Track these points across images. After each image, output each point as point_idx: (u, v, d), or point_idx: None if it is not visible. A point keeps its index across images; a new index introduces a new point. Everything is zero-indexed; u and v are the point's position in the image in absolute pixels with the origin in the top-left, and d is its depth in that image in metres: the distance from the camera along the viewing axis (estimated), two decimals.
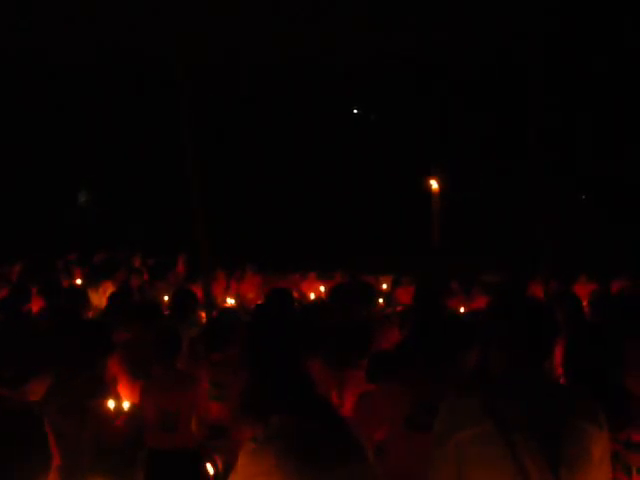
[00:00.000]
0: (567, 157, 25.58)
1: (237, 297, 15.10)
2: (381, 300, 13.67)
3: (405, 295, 14.53)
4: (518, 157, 15.97)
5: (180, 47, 9.81)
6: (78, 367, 5.57)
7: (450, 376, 4.27)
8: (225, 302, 14.13)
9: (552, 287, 12.69)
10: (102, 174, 28.90)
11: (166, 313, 9.00)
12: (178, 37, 9.84)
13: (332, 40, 24.31)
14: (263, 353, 4.38)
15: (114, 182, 28.65)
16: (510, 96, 17.65)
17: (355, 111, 34.92)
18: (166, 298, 12.38)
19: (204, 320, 9.36)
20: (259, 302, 11.03)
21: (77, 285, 14.28)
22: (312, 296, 14.91)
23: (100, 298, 12.81)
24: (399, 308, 12.76)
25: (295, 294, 15.26)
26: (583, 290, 13.63)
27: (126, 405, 6.10)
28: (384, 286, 16.29)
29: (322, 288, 15.21)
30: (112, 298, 9.19)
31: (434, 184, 29.17)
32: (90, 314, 9.63)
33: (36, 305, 9.97)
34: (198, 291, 9.47)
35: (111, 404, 5.81)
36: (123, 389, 6.56)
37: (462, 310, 11.93)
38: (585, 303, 7.89)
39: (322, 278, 16.86)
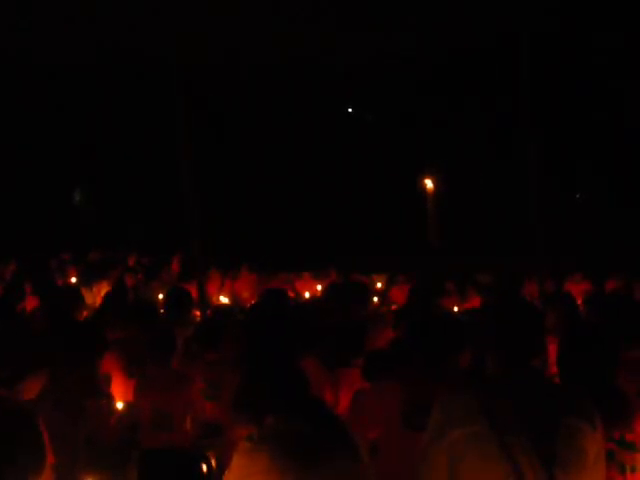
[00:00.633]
0: (562, 156, 25.60)
1: (232, 296, 15.11)
2: (376, 299, 13.68)
3: (400, 294, 14.55)
4: (513, 156, 15.96)
5: (176, 46, 9.80)
6: (72, 366, 5.56)
7: (445, 375, 4.28)
8: (219, 301, 14.14)
9: (547, 286, 12.69)
10: (97, 173, 28.88)
11: (161, 312, 8.99)
12: (174, 36, 9.84)
13: (327, 40, 24.32)
14: (258, 352, 4.38)
15: (109, 181, 28.63)
16: (506, 96, 17.64)
17: (350, 111, 34.93)
18: (160, 297, 12.37)
19: (199, 319, 9.35)
20: (254, 301, 11.04)
21: (71, 284, 14.28)
22: (307, 295, 14.92)
23: (94, 297, 12.83)
24: (394, 307, 12.78)
25: (290, 293, 15.31)
26: (578, 289, 13.68)
27: (120, 404, 6.10)
28: (379, 285, 16.30)
29: (318, 287, 15.23)
30: (107, 297, 9.18)
31: (429, 184, 29.22)
32: (84, 313, 9.61)
33: (30, 304, 9.97)
34: (193, 290, 9.45)
35: (106, 403, 5.81)
36: (117, 388, 6.55)
37: (456, 310, 11.95)
38: (580, 302, 7.90)
39: (317, 277, 16.87)
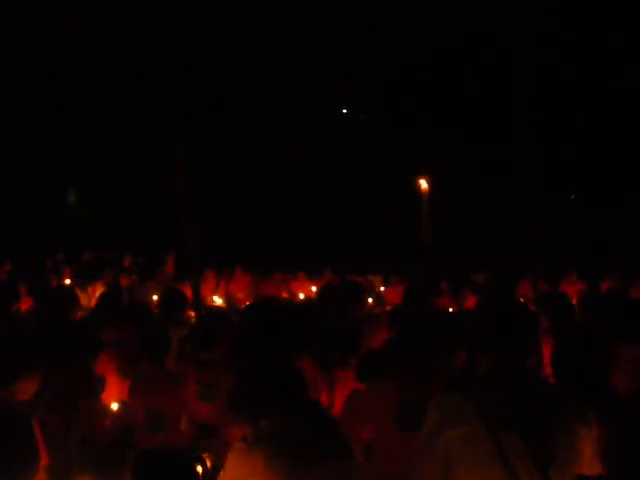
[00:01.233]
0: (557, 157, 25.63)
1: (226, 297, 15.09)
2: (370, 300, 13.68)
3: (394, 295, 14.55)
4: (508, 156, 15.97)
5: (171, 45, 9.80)
6: (66, 367, 5.56)
7: (440, 375, 4.28)
8: (214, 302, 14.12)
9: (542, 287, 12.71)
10: (91, 173, 28.84)
11: (155, 313, 8.98)
12: (169, 36, 9.83)
13: (321, 40, 24.32)
14: (253, 353, 4.37)
15: (103, 181, 28.59)
16: (501, 96, 17.67)
17: (345, 111, 34.93)
18: (155, 298, 12.36)
19: (193, 320, 9.33)
20: (248, 302, 11.02)
21: (66, 285, 14.25)
22: (301, 296, 14.91)
23: (89, 298, 12.81)
24: (389, 308, 12.78)
25: (285, 294, 15.31)
26: (572, 289, 13.69)
27: (114, 405, 6.09)
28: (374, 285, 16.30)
29: (313, 288, 15.21)
30: (101, 298, 9.16)
31: (423, 184, 29.23)
32: (79, 314, 9.59)
33: (25, 305, 9.95)
34: (187, 291, 9.44)
35: (100, 404, 5.80)
36: (112, 389, 6.54)
37: (451, 310, 11.95)
38: (575, 302, 7.90)
39: (312, 278, 16.86)
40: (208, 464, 4.72)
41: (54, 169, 27.76)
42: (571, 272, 15.85)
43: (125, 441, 5.97)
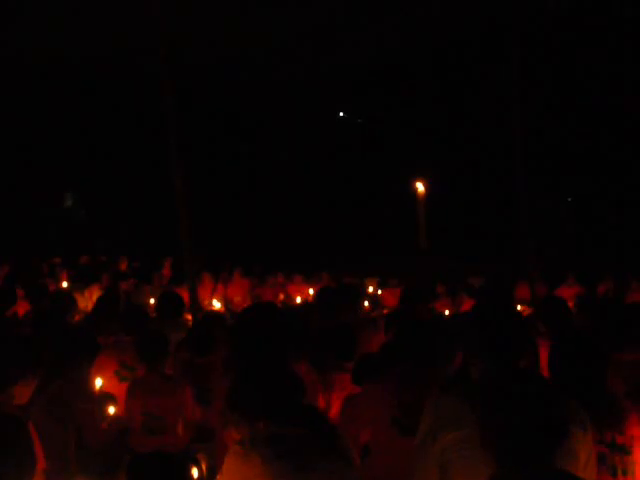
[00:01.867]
0: (553, 159, 25.63)
1: (224, 301, 15.10)
2: (367, 303, 13.69)
3: (391, 297, 14.57)
4: (504, 159, 15.99)
5: (166, 47, 9.79)
6: (63, 370, 5.56)
7: (435, 378, 4.29)
8: (211, 305, 14.13)
9: (539, 290, 12.73)
10: (88, 177, 28.81)
11: (152, 316, 8.99)
12: (164, 37, 9.82)
13: (318, 43, 24.33)
14: (249, 356, 4.37)
15: (100, 185, 28.56)
16: (497, 98, 17.70)
17: (341, 114, 34.93)
18: (152, 301, 12.36)
19: (190, 323, 9.34)
20: (245, 306, 11.02)
21: (64, 288, 14.25)
22: (298, 299, 14.93)
23: (86, 301, 12.81)
24: (385, 311, 12.79)
25: (281, 297, 15.33)
26: (569, 292, 13.71)
27: (111, 409, 6.09)
28: (370, 289, 16.31)
29: (311, 291, 15.23)
30: (99, 301, 9.16)
31: (420, 187, 29.24)
32: (76, 317, 9.60)
33: (22, 308, 9.95)
34: (184, 294, 9.45)
35: (97, 407, 5.80)
36: (109, 392, 6.54)
37: (447, 313, 11.98)
38: (571, 305, 7.92)
39: (309, 281, 16.87)
40: (204, 467, 4.73)
41: (51, 173, 27.73)
42: (568, 275, 15.86)
43: (122, 444, 5.98)
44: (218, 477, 3.52)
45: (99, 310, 8.60)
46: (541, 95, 22.57)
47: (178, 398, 6.17)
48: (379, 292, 16.13)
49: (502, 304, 3.95)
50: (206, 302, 14.21)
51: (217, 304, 14.37)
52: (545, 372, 4.35)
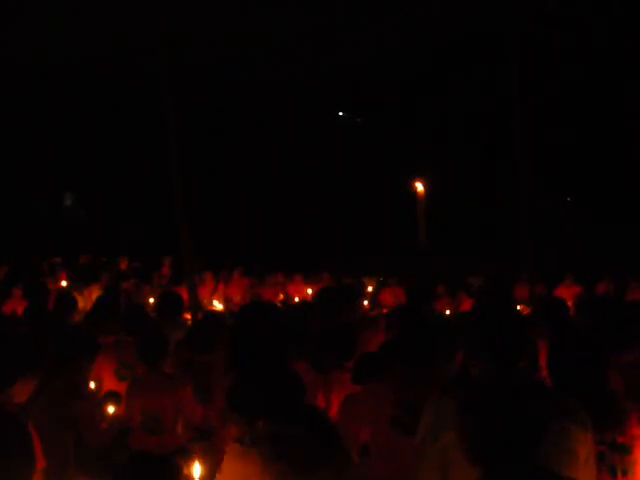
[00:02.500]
0: (553, 158, 25.64)
1: (224, 300, 15.11)
2: (366, 302, 13.70)
3: (391, 297, 14.58)
4: (503, 158, 15.99)
5: (165, 47, 9.78)
6: (63, 369, 5.56)
7: (436, 378, 4.28)
8: (212, 305, 14.14)
9: (538, 290, 12.73)
10: (88, 176, 28.80)
11: (152, 316, 8.99)
12: (163, 38, 9.81)
13: (318, 43, 24.32)
14: (249, 355, 4.37)
15: (100, 184, 28.56)
16: (496, 97, 17.71)
17: (341, 114, 34.93)
18: (151, 301, 12.37)
19: (190, 323, 9.35)
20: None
21: (63, 288, 14.26)
22: (298, 299, 14.93)
23: (86, 301, 12.80)
24: (385, 310, 12.80)
25: (281, 296, 15.34)
26: (568, 292, 13.72)
27: (111, 408, 6.09)
28: (369, 288, 16.32)
29: (309, 290, 15.23)
30: (98, 301, 9.16)
31: (419, 186, 29.26)
32: (76, 317, 9.59)
33: (21, 307, 9.94)
34: (184, 293, 9.46)
35: (96, 407, 5.80)
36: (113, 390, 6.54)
37: (448, 312, 11.98)
38: (570, 304, 7.91)
39: (308, 280, 16.88)
40: (204, 466, 4.73)
41: (51, 173, 27.73)
42: (568, 275, 15.87)
43: (121, 444, 5.98)
44: (217, 476, 3.52)
45: (99, 310, 8.60)
46: (541, 95, 22.55)
47: (178, 397, 6.17)
48: (378, 292, 16.15)
49: (502, 304, 3.96)
50: (206, 302, 14.22)
51: (220, 306, 14.39)
52: (544, 372, 4.35)
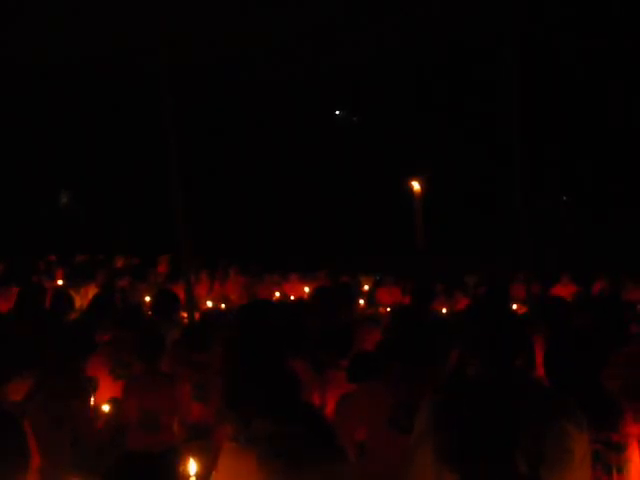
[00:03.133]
0: (549, 158, 25.67)
1: (221, 299, 15.09)
2: (362, 301, 13.70)
3: (387, 295, 14.59)
4: (500, 158, 16.00)
5: (163, 46, 9.77)
6: (59, 367, 5.55)
7: (433, 378, 4.28)
8: (207, 303, 14.12)
9: (534, 288, 12.73)
10: (83, 175, 28.79)
11: (148, 314, 8.99)
12: (161, 37, 9.80)
13: (318, 43, 24.34)
14: (245, 354, 4.37)
15: (95, 183, 28.55)
16: (492, 97, 17.74)
17: (337, 113, 34.94)
18: (148, 299, 12.36)
19: (186, 321, 9.34)
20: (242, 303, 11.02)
21: (60, 286, 14.25)
22: (294, 298, 14.91)
23: (82, 299, 12.79)
24: (381, 309, 12.81)
25: (277, 295, 15.33)
26: (565, 291, 13.72)
27: (106, 406, 6.08)
28: (366, 287, 16.33)
29: (306, 289, 15.22)
30: (94, 299, 9.16)
31: (416, 185, 29.27)
32: (72, 315, 9.58)
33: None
34: (180, 292, 9.45)
35: (92, 405, 5.80)
36: (104, 390, 6.54)
37: (444, 311, 11.99)
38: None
39: (305, 279, 16.87)
40: (200, 464, 4.73)
41: (46, 171, 27.71)
42: (563, 274, 15.87)
43: (117, 442, 5.98)
44: (214, 474, 3.52)
45: (95, 308, 8.60)
46: (540, 95, 22.57)
47: (174, 396, 6.17)
48: (375, 290, 16.16)
49: (498, 303, 3.96)
50: (203, 300, 14.21)
51: (210, 303, 14.38)
52: (540, 371, 4.36)
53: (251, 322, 5.23)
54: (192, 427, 6.26)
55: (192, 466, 4.68)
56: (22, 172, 26.56)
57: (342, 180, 29.25)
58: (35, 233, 23.89)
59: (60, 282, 15.05)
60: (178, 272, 12.67)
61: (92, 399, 6.02)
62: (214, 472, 3.50)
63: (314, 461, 3.33)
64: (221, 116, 28.78)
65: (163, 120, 9.66)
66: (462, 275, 16.36)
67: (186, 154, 10.77)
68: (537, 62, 21.93)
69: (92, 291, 12.76)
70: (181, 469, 4.73)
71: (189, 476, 4.65)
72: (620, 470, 3.92)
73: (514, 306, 11.66)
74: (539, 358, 4.46)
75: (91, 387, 6.27)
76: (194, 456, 4.77)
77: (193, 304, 10.06)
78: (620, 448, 3.93)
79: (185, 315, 9.87)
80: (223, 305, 14.12)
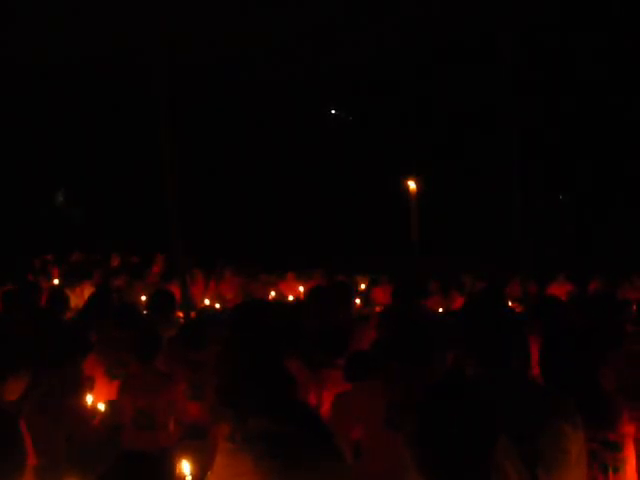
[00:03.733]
0: (546, 157, 25.67)
1: (216, 298, 15.08)
2: (358, 301, 13.69)
3: (383, 295, 14.57)
4: (497, 157, 16.00)
5: (160, 46, 9.77)
6: (55, 367, 5.55)
7: (427, 375, 4.28)
8: (203, 303, 14.12)
9: (530, 287, 12.74)
10: (79, 174, 28.76)
11: (144, 313, 8.97)
12: (158, 36, 9.80)
13: (318, 43, 24.34)
14: (241, 353, 4.37)
15: (91, 182, 28.52)
16: (489, 96, 17.72)
17: (333, 112, 34.92)
18: (144, 298, 12.34)
19: (182, 320, 9.34)
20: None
21: (56, 285, 14.23)
22: (290, 297, 14.90)
23: (77, 298, 12.78)
24: (377, 308, 12.80)
25: (273, 294, 15.32)
26: (561, 290, 13.73)
27: (102, 405, 6.08)
28: (362, 286, 16.33)
29: (301, 288, 15.20)
30: (90, 299, 9.15)
31: (412, 184, 29.25)
32: (68, 314, 9.57)
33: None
34: (176, 291, 9.44)
35: (88, 404, 5.79)
36: (100, 389, 6.53)
37: (440, 310, 11.99)
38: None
39: (301, 279, 16.86)
40: (196, 464, 4.72)
41: (43, 170, 27.67)
42: (559, 273, 15.89)
43: (113, 441, 5.97)
44: (209, 474, 3.52)
45: (91, 307, 8.59)
46: (538, 95, 22.60)
47: (170, 395, 6.17)
48: (370, 289, 16.16)
49: (494, 303, 3.96)
50: (198, 300, 14.20)
51: (208, 301, 14.38)
52: (536, 370, 4.36)
53: (247, 321, 5.23)
54: (188, 426, 6.25)
55: (187, 465, 4.67)
56: (19, 171, 26.52)
57: (339, 180, 29.24)
58: (32, 232, 23.85)
59: (56, 281, 15.03)
60: (173, 272, 12.67)
61: (88, 399, 6.02)
62: (210, 472, 3.50)
63: (310, 461, 3.33)
64: (216, 116, 28.75)
65: (159, 120, 9.66)
66: (458, 274, 16.36)
67: (185, 154, 10.78)
68: (537, 62, 21.97)
69: (88, 290, 12.74)
70: (177, 468, 4.71)
71: (185, 476, 4.64)
72: (617, 469, 3.92)
73: (510, 305, 11.66)
74: (535, 357, 4.46)
75: (87, 387, 6.27)
76: (190, 456, 4.76)
77: (189, 304, 10.08)
78: (617, 447, 3.93)
79: (181, 315, 9.88)
80: (218, 305, 14.12)
